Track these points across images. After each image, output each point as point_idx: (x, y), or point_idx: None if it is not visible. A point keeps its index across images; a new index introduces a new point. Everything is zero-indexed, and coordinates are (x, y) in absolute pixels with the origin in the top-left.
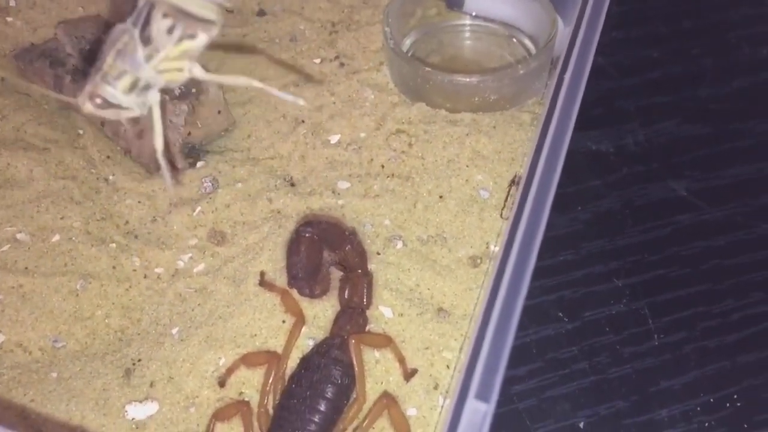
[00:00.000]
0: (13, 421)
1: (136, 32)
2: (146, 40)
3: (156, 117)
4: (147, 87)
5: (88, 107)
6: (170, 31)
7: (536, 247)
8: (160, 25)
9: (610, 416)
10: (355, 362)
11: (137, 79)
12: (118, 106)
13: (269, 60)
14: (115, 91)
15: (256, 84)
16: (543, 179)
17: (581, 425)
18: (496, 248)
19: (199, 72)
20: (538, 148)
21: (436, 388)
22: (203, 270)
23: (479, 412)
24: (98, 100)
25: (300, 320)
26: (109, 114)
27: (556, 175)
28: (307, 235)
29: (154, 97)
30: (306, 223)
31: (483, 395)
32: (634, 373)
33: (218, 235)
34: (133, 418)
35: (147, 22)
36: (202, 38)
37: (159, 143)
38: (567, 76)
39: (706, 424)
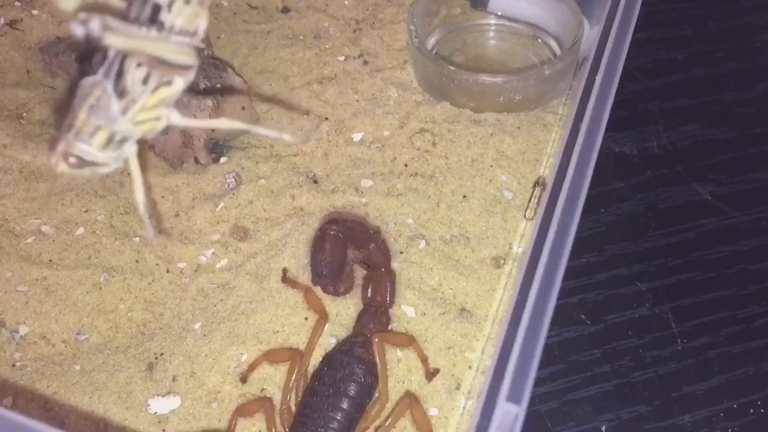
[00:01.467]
0: (36, 412)
1: (109, 85)
2: (121, 93)
3: (135, 169)
4: (123, 140)
5: (62, 168)
6: (146, 80)
7: (567, 249)
8: (134, 75)
9: (632, 421)
10: (378, 361)
11: (113, 133)
12: (94, 164)
13: (293, 57)
14: (90, 149)
15: (241, 126)
16: (574, 181)
17: (603, 429)
18: (520, 249)
19: (176, 118)
20: (567, 149)
21: (458, 388)
22: (226, 265)
23: (510, 414)
24: (72, 160)
25: (323, 318)
26: (85, 173)
27: (587, 177)
28: (332, 232)
29: (130, 149)
30: (331, 220)
31: (514, 397)
32: (656, 378)
33: (241, 231)
34: (155, 412)
35: (120, 74)
36: (179, 83)
37: (140, 197)
38: (598, 78)
39: (729, 430)
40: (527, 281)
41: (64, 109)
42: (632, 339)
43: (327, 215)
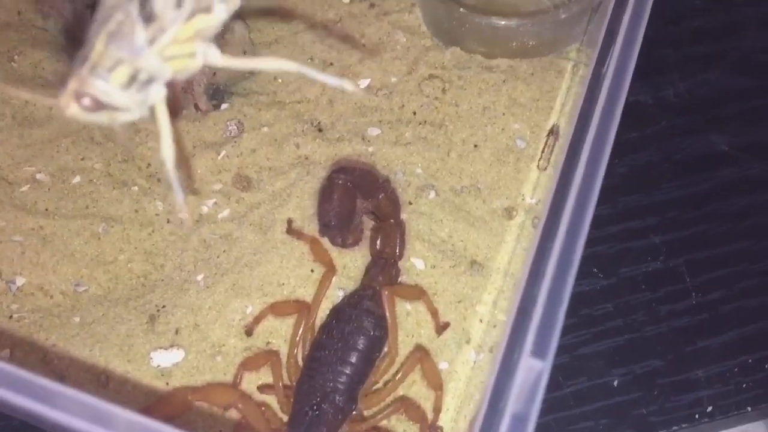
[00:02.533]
0: (35, 365)
1: (134, 8)
2: (148, 18)
3: (163, 120)
4: (149, 80)
5: (73, 109)
6: (179, 3)
7: (594, 199)
8: None
9: (644, 375)
10: (388, 314)
11: (137, 69)
12: (113, 107)
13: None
14: (109, 87)
15: (293, 67)
16: (601, 129)
17: (615, 383)
18: (533, 200)
19: (215, 56)
20: (589, 96)
21: (468, 342)
22: (228, 216)
23: (534, 370)
24: (86, 101)
25: (331, 270)
26: (101, 118)
27: (614, 124)
28: (340, 181)
29: (159, 93)
30: (339, 168)
31: (539, 352)
32: (670, 332)
33: (244, 181)
34: (158, 365)
35: None
36: (221, 11)
37: (169, 154)
38: (625, 20)
39: (744, 385)
40: (549, 232)
41: (59, 51)
42: (645, 293)
43: (335, 163)
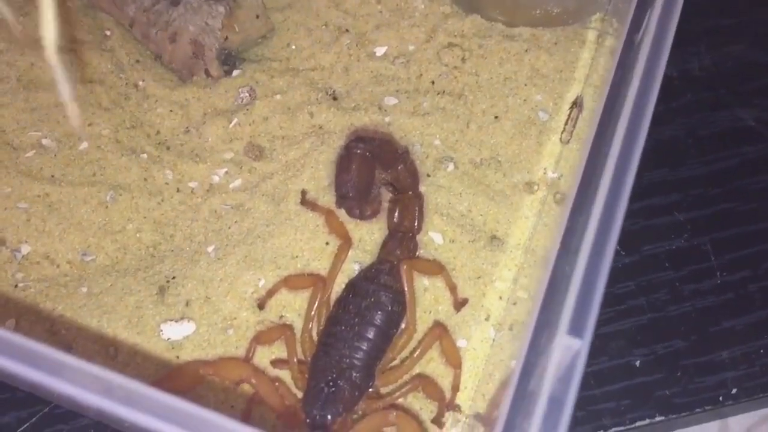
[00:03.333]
0: (42, 336)
1: None
2: None
3: None
4: None
5: None
6: None
7: (633, 172)
8: None
9: (667, 355)
10: (406, 289)
11: None
12: None
13: None
14: None
15: None
16: (639, 101)
17: (637, 364)
18: (554, 174)
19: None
20: (622, 66)
21: (487, 319)
22: (240, 186)
23: (572, 349)
24: None
25: (347, 243)
26: None
27: (653, 97)
28: (359, 151)
29: None
30: (357, 137)
31: (576, 330)
32: (694, 312)
33: (256, 150)
34: (168, 338)
35: None
36: None
37: (50, 32)
38: None
39: None
40: (581, 206)
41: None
42: (669, 271)
43: (352, 132)
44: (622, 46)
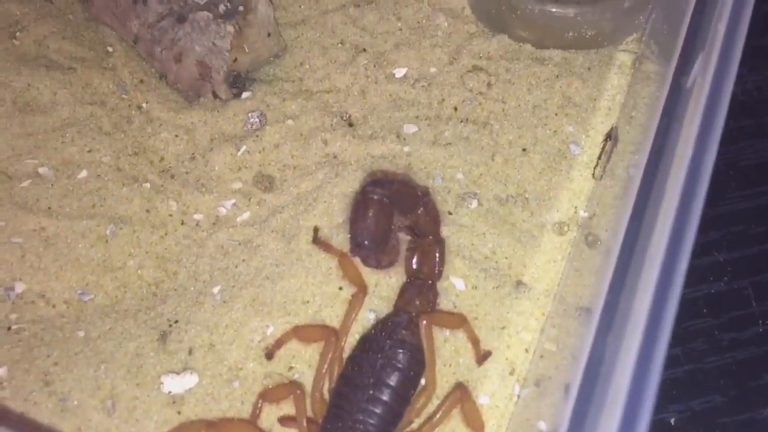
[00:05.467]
0: (34, 387)
1: None
2: None
3: None
4: None
5: None
6: None
7: (696, 223)
8: None
9: (705, 412)
10: (426, 346)
11: None
12: None
13: None
14: None
15: None
16: (701, 139)
17: (672, 421)
18: (586, 214)
19: None
20: (673, 94)
21: (512, 373)
22: (248, 219)
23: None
24: None
25: (362, 291)
26: None
27: (717, 133)
28: (375, 197)
29: None
30: (374, 181)
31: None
32: (734, 364)
33: (266, 180)
34: (169, 392)
35: None
36: None
37: None
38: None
39: None
40: (628, 263)
41: (65, 27)
42: (707, 318)
43: (369, 174)
44: (673, 72)
